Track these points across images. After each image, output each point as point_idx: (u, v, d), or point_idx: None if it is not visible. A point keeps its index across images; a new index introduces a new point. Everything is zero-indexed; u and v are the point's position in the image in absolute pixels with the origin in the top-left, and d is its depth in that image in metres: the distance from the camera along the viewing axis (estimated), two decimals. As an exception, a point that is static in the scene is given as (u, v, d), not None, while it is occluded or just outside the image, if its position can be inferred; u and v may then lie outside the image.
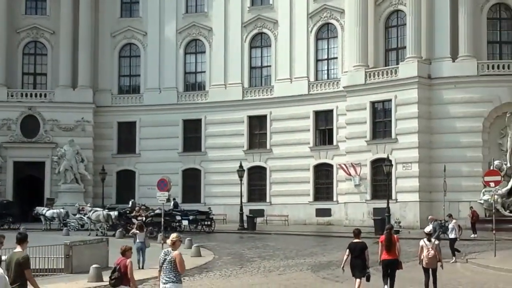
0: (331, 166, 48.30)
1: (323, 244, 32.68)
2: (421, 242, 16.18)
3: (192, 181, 52.83)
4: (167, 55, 54.26)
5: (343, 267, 15.36)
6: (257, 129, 51.61)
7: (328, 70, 49.65)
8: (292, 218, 47.96)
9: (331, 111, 48.44)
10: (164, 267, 11.13)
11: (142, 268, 21.41)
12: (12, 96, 53.26)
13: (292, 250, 29.15)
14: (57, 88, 53.64)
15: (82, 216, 42.37)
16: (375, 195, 43.91)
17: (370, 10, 45.90)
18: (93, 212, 39.86)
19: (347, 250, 15.28)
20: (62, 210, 44.63)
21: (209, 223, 41.98)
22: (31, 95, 53.59)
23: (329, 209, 47.84)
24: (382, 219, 37.23)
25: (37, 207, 45.72)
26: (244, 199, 47.55)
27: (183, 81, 54.37)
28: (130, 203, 41.63)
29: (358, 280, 15.14)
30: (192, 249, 26.05)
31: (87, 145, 53.19)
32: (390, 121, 43.88)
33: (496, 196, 34.56)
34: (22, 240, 10.84)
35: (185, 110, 53.22)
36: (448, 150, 42.21)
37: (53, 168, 52.50)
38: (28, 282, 10.55)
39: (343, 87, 46.53)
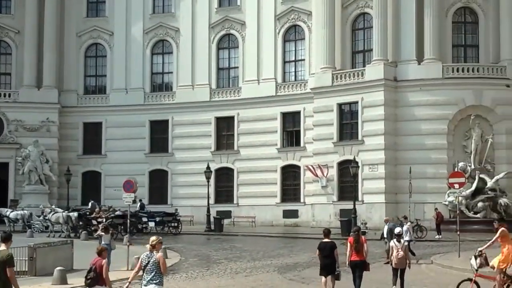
0: (298, 167, 48.45)
1: (290, 246, 32.75)
2: (391, 243, 16.40)
3: (159, 183, 52.55)
4: (134, 55, 53.89)
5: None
6: (224, 130, 51.54)
7: (295, 72, 49.81)
8: (259, 219, 47.98)
9: (298, 112, 48.60)
10: (148, 269, 11.25)
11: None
12: (-25, 96, 52.53)
13: (259, 251, 29.15)
14: (21, 88, 52.94)
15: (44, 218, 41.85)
16: (342, 197, 44.13)
17: (337, 13, 46.16)
18: (52, 214, 39.41)
19: (318, 250, 15.55)
20: (26, 211, 43.99)
21: (175, 224, 41.82)
22: (-5, 95, 52.88)
23: (296, 211, 47.97)
24: (348, 221, 37.46)
25: (0, 209, 45.00)
26: (211, 201, 47.46)
27: (150, 81, 54.06)
28: (90, 204, 41.43)
29: (328, 278, 15.35)
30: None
31: (52, 145, 52.58)
32: (357, 123, 44.15)
33: (460, 198, 35.04)
34: (6, 238, 11.09)
35: (152, 111, 52.92)
36: (414, 152, 42.63)
37: (17, 169, 51.78)
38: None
39: (310, 89, 46.72)
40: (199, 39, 52.43)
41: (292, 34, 50.20)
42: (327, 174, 44.64)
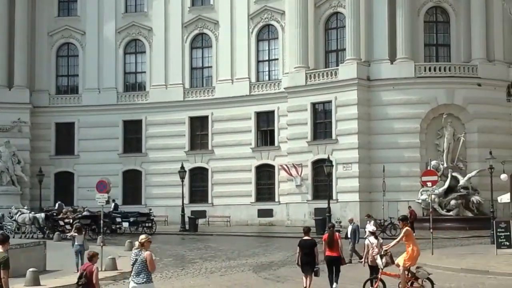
0: (272, 167, 48.49)
1: (265, 245, 32.78)
2: (366, 241, 16.49)
3: (132, 183, 52.26)
4: (106, 55, 53.49)
5: (297, 263, 16.10)
6: (198, 130, 51.40)
7: (269, 71, 49.86)
8: (234, 219, 47.94)
9: (272, 112, 48.65)
10: (136, 267, 11.55)
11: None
12: None
13: (234, 251, 29.12)
14: (-8, 88, 52.28)
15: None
16: (316, 196, 44.28)
17: (310, 12, 46.29)
18: (19, 215, 39.00)
19: (298, 247, 15.93)
20: (-3, 213, 43.41)
21: (150, 224, 41.62)
22: (-35, 95, 52.10)
23: (271, 210, 48.02)
24: (323, 219, 37.58)
25: (-29, 211, 44.40)
26: (186, 201, 47.33)
27: (122, 81, 53.70)
28: (57, 205, 41.21)
29: (308, 275, 15.70)
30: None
31: (24, 146, 52.01)
32: (331, 122, 44.33)
33: (433, 196, 35.35)
34: (3, 241, 11.27)
35: (125, 111, 52.58)
36: (387, 150, 42.90)
37: (-12, 170, 51.13)
38: None
39: (284, 88, 46.80)
40: (172, 38, 52.22)
41: (266, 33, 50.23)
42: (301, 173, 44.75)
